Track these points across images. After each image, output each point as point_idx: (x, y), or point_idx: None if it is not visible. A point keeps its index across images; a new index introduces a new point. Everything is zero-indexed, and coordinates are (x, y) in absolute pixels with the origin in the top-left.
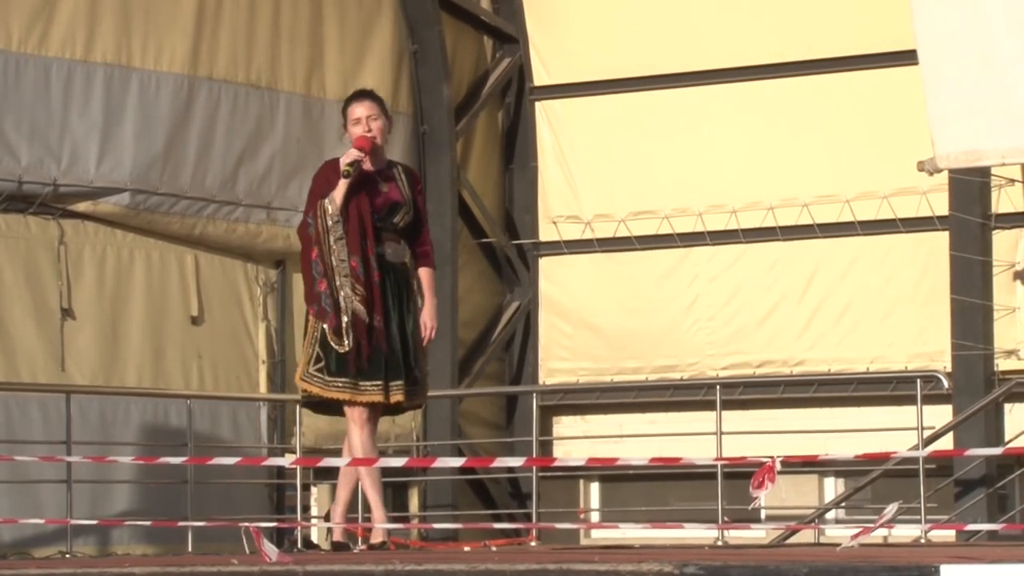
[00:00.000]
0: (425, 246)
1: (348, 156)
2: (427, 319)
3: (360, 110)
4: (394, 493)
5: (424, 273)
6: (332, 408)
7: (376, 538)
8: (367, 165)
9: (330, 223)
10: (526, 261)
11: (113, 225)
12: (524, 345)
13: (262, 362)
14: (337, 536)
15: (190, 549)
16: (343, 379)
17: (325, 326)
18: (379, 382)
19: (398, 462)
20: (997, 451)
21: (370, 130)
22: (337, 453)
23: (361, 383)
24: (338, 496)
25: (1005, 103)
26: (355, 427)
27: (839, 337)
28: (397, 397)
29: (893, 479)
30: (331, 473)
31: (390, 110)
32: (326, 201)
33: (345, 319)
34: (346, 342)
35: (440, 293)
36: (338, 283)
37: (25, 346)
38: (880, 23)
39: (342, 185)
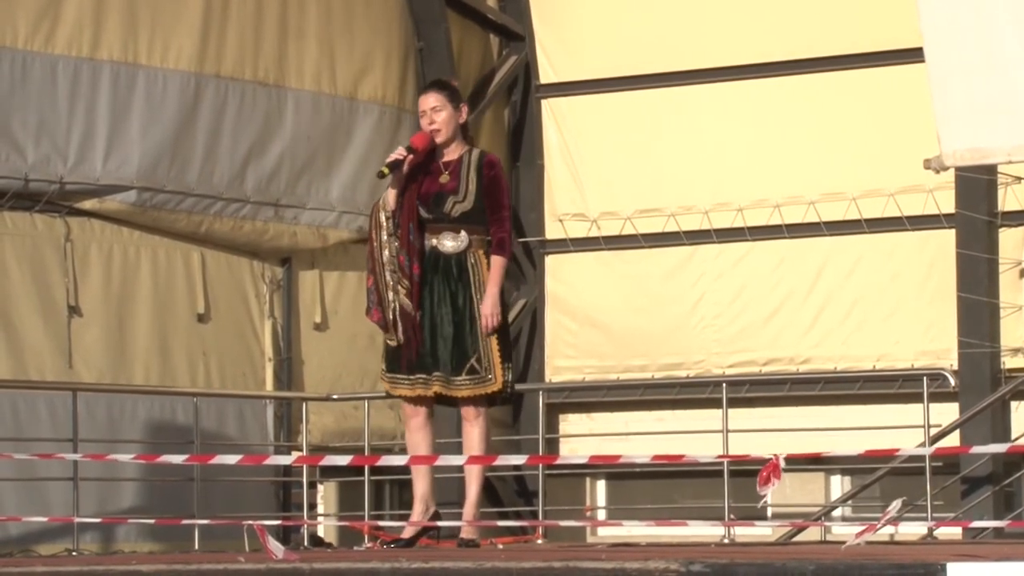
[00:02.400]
0: (500, 234)
1: (392, 155)
2: (483, 309)
3: (424, 103)
4: (400, 491)
5: (492, 261)
6: None
7: (406, 534)
8: (410, 159)
9: (382, 219)
10: (532, 259)
11: (119, 223)
12: (530, 343)
13: (268, 360)
14: (407, 533)
15: (197, 547)
16: (399, 375)
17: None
18: (422, 375)
19: (402, 460)
20: (1003, 448)
21: (432, 122)
22: (341, 451)
23: (409, 377)
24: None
25: (1011, 101)
26: (406, 425)
27: (845, 335)
28: (436, 388)
29: (899, 477)
30: (337, 471)
31: (399, 107)
32: (381, 199)
33: (390, 314)
34: (396, 336)
35: None
36: (387, 279)
37: (32, 344)
38: (886, 20)
39: (389, 185)
